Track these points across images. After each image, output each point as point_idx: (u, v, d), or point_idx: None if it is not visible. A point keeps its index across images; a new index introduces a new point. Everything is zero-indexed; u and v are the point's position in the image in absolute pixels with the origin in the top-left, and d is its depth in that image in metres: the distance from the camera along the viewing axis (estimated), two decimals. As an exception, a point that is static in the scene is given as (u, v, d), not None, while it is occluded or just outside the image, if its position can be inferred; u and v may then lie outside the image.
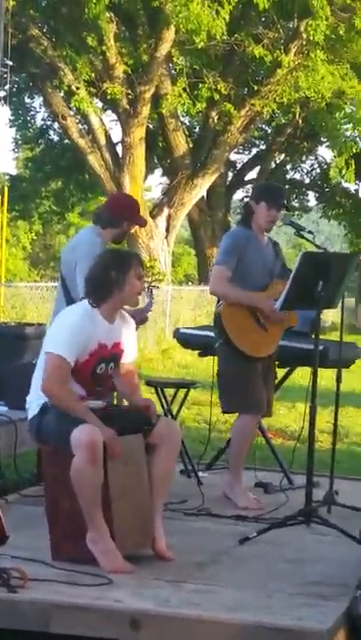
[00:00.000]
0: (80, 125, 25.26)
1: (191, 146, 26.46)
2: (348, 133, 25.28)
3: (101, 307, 4.96)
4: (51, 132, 31.49)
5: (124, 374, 5.16)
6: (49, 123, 30.78)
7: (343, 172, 25.34)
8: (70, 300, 5.76)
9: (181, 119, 26.94)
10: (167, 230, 25.19)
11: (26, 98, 29.97)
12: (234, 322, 6.26)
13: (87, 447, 4.61)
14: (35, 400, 4.96)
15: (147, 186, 33.64)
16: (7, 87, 20.40)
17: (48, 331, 5.07)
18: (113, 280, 4.95)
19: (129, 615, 4.17)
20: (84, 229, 6.18)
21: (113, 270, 4.96)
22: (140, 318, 6.04)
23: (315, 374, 5.55)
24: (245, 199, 32.91)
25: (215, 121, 25.91)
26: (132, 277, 4.99)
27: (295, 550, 5.27)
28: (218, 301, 6.42)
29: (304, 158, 34.66)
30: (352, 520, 5.51)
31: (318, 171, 34.59)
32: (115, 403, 5.68)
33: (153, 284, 6.77)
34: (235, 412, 6.41)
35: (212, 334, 6.65)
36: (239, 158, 34.48)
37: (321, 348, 6.18)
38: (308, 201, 36.80)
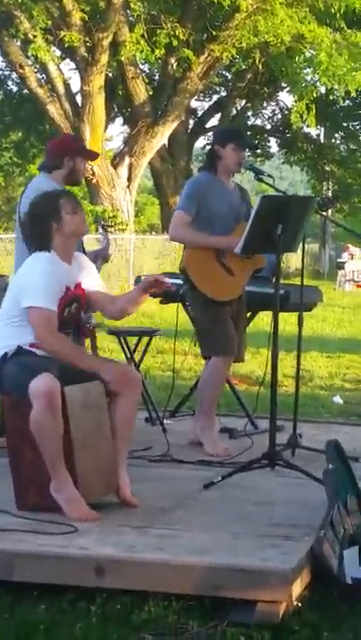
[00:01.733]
0: (39, 75, 24.97)
1: (151, 93, 26.24)
2: (308, 78, 25.21)
3: (52, 252, 4.94)
4: (9, 83, 31.13)
5: (101, 299, 5.14)
6: (7, 73, 30.40)
7: (304, 116, 25.31)
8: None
9: (141, 66, 26.70)
10: (129, 179, 25.05)
11: (-19, 48, 29.51)
12: (198, 267, 6.24)
13: (45, 396, 4.59)
14: (-6, 352, 4.92)
15: (108, 135, 33.42)
16: None
17: (16, 282, 4.99)
18: (49, 227, 4.91)
19: (94, 562, 4.17)
20: (36, 178, 6.12)
21: (44, 218, 4.92)
22: (103, 257, 6.41)
23: (275, 318, 5.54)
24: (207, 147, 32.85)
25: (174, 67, 25.68)
26: (66, 216, 4.94)
27: (260, 493, 5.29)
28: (185, 247, 6.39)
29: (265, 104, 34.49)
30: (315, 462, 5.53)
31: (280, 116, 34.43)
32: None
33: (104, 224, 6.94)
34: (211, 355, 6.38)
35: (173, 281, 6.61)
36: (200, 105, 34.32)
37: (282, 292, 6.17)
38: (270, 147, 36.67)
